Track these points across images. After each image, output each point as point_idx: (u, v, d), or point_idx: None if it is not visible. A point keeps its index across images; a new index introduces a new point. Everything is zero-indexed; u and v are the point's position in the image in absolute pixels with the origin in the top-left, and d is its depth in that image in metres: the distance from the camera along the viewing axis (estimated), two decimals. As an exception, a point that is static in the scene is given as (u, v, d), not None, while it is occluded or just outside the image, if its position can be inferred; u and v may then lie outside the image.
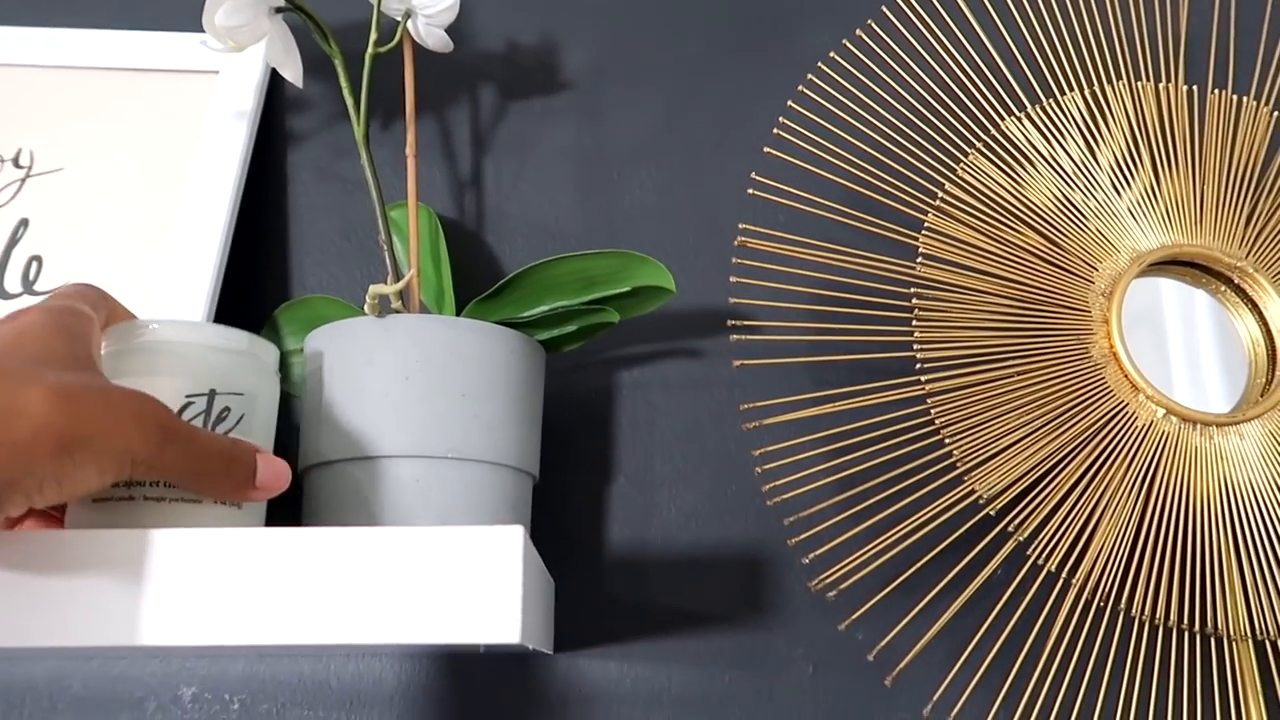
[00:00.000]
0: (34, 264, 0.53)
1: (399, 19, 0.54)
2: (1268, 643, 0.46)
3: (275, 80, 0.62)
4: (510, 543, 0.33)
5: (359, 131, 0.51)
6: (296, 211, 0.61)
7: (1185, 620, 0.46)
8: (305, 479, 0.47)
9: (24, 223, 0.54)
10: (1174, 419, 0.48)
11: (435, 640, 0.31)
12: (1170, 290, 0.52)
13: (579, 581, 0.54)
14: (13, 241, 0.54)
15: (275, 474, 0.38)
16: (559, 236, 0.60)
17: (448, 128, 0.63)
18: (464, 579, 0.32)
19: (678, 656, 0.53)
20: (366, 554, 0.32)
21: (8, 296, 0.52)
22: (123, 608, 0.31)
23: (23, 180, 0.56)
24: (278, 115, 0.62)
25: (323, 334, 0.48)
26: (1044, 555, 0.46)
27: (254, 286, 0.59)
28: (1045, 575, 0.46)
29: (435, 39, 0.55)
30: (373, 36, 0.52)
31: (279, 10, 0.52)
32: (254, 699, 0.52)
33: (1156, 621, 0.46)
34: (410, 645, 0.32)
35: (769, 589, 0.52)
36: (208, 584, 0.32)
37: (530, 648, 0.36)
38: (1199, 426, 0.48)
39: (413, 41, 0.55)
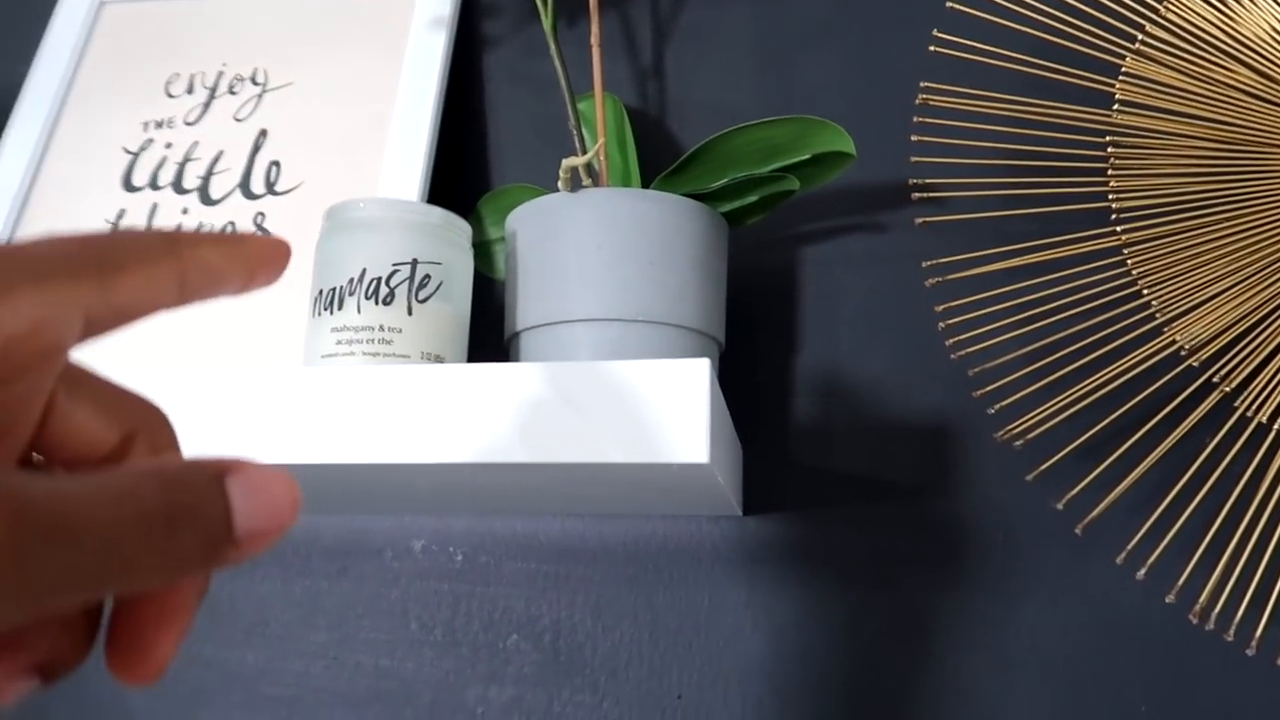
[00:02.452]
0: (274, 169, 0.60)
1: (579, -89, 0.56)
2: None
3: (469, -12, 0.65)
4: (699, 373, 0.35)
5: (548, 24, 0.54)
6: (495, 110, 0.65)
7: None
8: (510, 348, 0.51)
9: (264, 133, 0.61)
10: None
11: (637, 459, 0.34)
12: None
13: (767, 449, 0.56)
14: (255, 149, 0.61)
15: (268, 497, 0.19)
16: (740, 118, 0.61)
17: (629, 19, 0.65)
18: (659, 406, 0.35)
19: (864, 522, 0.54)
20: (575, 385, 0.35)
21: (253, 197, 0.59)
22: (368, 431, 0.36)
23: (260, 95, 0.62)
24: (473, 20, 0.66)
25: (521, 212, 0.51)
26: (1254, 407, 0.44)
27: (459, 180, 0.64)
28: (1255, 427, 0.44)
29: (614, -72, 0.56)
30: (557, -70, 0.54)
31: (469, -87, 0.56)
32: (475, 551, 0.58)
33: (1383, 474, 0.43)
34: (617, 465, 0.35)
35: (956, 456, 0.53)
36: (437, 413, 0.36)
37: (719, 479, 0.39)
38: None
39: (593, -65, 0.57)
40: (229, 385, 0.39)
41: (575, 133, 0.54)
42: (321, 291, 0.45)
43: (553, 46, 0.55)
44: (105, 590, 0.17)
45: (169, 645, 0.19)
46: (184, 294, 0.21)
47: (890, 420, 0.55)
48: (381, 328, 0.44)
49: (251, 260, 0.22)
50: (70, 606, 0.16)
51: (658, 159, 0.61)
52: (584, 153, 0.53)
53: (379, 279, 0.44)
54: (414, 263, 0.45)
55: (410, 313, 0.45)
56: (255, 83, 0.63)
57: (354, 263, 0.45)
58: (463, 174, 0.64)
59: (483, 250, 0.59)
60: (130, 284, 0.19)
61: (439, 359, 0.45)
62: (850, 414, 0.55)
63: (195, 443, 0.39)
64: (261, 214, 0.59)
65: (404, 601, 0.58)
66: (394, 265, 0.45)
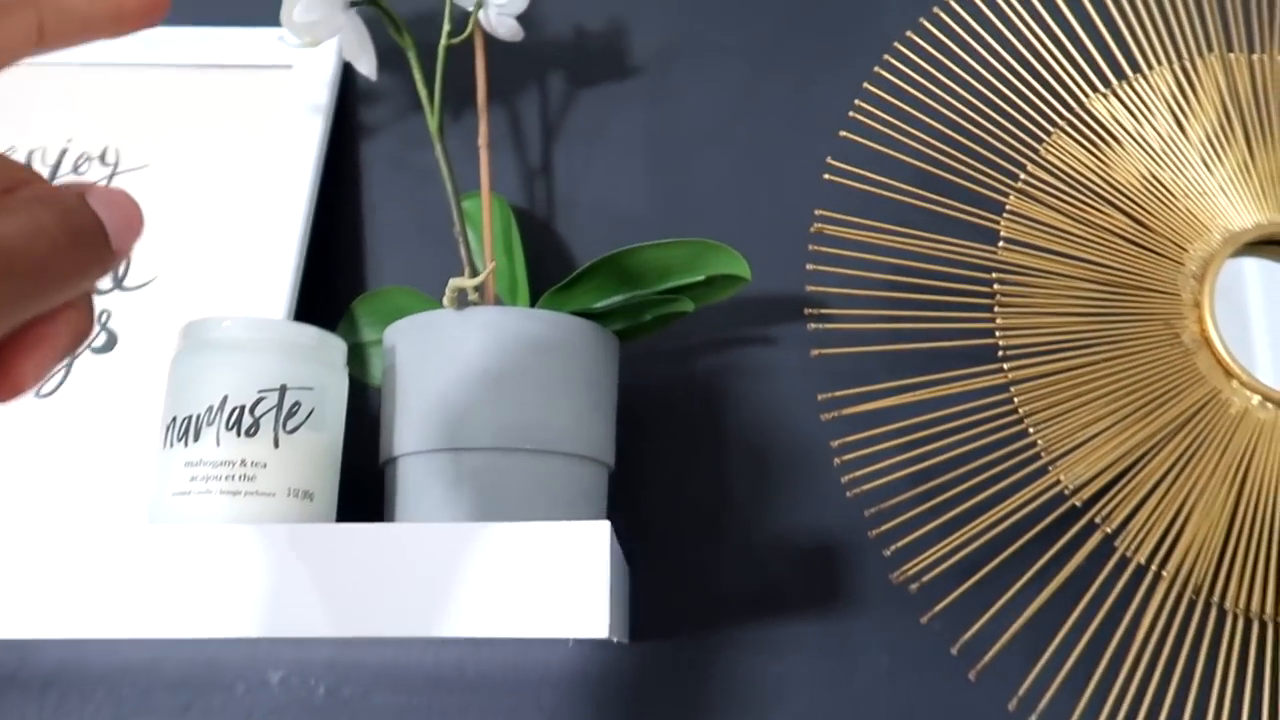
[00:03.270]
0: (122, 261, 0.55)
1: (470, 9, 0.54)
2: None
3: (348, 73, 0.62)
4: (598, 538, 0.33)
5: (433, 123, 0.52)
6: (372, 203, 0.62)
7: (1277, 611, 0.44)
8: (387, 470, 0.48)
9: (112, 220, 0.56)
10: (1270, 406, 0.46)
11: (526, 634, 0.32)
12: (1264, 271, 0.50)
13: (655, 570, 0.54)
14: (102, 238, 0.55)
15: (121, 211, 0.23)
16: (630, 223, 0.60)
17: (518, 117, 0.63)
18: (553, 574, 0.32)
19: (754, 645, 0.53)
20: (458, 549, 0.32)
21: (98, 291, 0.54)
22: (217, 600, 0.32)
23: (110, 177, 0.57)
24: (351, 108, 0.63)
25: (401, 327, 0.48)
26: (1133, 547, 0.45)
27: (331, 278, 0.60)
28: (1134, 567, 0.45)
29: (507, 28, 0.55)
30: (446, 28, 0.52)
31: (353, 4, 0.53)
32: (338, 683, 0.53)
33: (1252, 615, 0.44)
34: (503, 638, 0.33)
35: (847, 578, 0.52)
36: (300, 578, 0.33)
37: (615, 640, 0.37)
38: (1297, 413, 0.46)
39: (484, 31, 0.55)
40: (57, 543, 0.35)
41: (461, 239, 0.52)
42: (175, 420, 0.41)
43: (438, 147, 0.52)
44: (44, 300, 0.20)
45: (38, 368, 0.22)
46: (45, 38, 0.22)
47: (783, 543, 0.54)
48: (243, 462, 0.40)
49: (120, 4, 0.23)
50: (23, 318, 0.20)
51: (545, 263, 0.59)
52: (468, 259, 0.51)
53: (242, 408, 0.40)
54: (283, 389, 0.41)
55: (277, 445, 0.41)
56: (104, 162, 0.57)
57: (214, 389, 0.41)
58: (337, 270, 0.60)
59: (357, 354, 0.55)
60: None
61: (308, 495, 0.41)
62: (742, 535, 0.54)
63: (21, 609, 0.34)
64: (106, 312, 0.53)
65: (256, 741, 0.53)
66: (260, 392, 0.41)
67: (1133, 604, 0.45)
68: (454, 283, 0.45)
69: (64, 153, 0.58)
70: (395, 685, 0.53)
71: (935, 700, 0.49)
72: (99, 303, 0.53)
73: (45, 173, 0.57)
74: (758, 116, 0.61)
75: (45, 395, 0.51)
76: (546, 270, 0.57)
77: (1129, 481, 0.45)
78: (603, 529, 0.33)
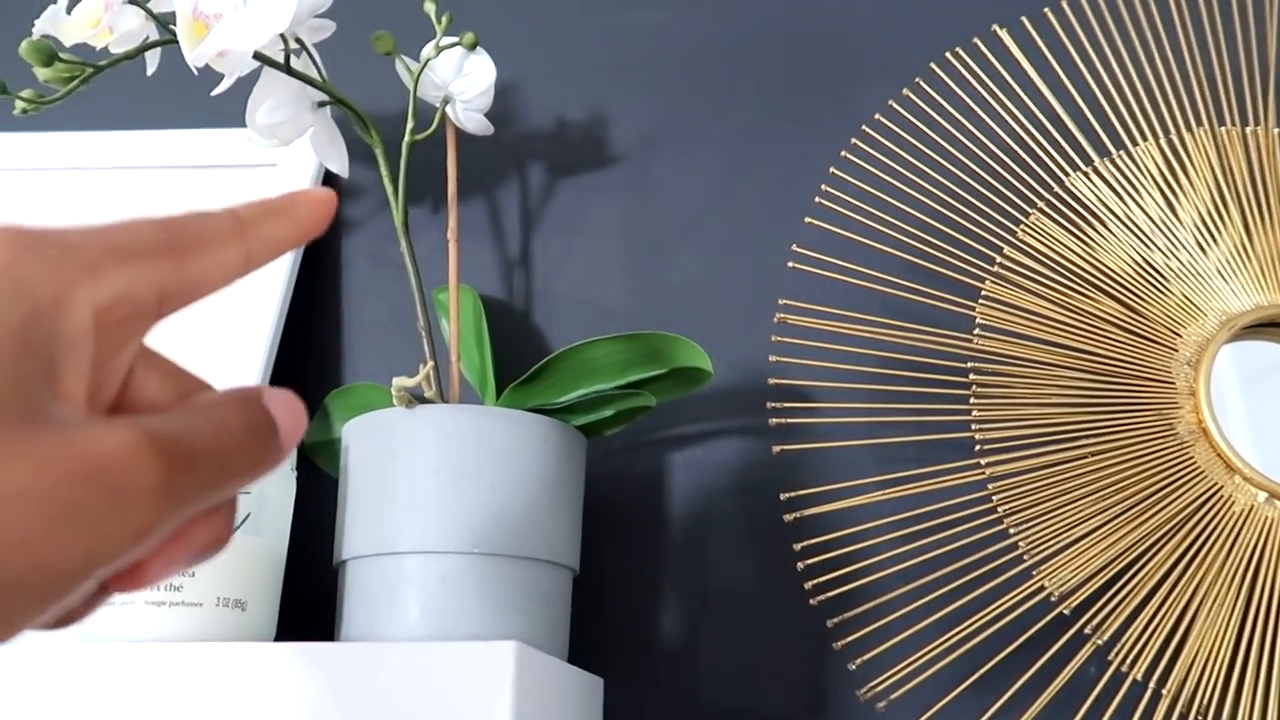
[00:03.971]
0: (96, 359, 0.55)
1: (438, 105, 0.54)
2: (1404, 767, 0.39)
3: (330, 172, 0.63)
4: (502, 657, 0.31)
5: (398, 217, 0.52)
6: (350, 298, 0.61)
7: (1301, 738, 0.40)
8: (340, 573, 0.46)
9: (90, 319, 0.56)
10: (1279, 503, 0.42)
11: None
12: (1267, 358, 0.47)
13: (629, 676, 0.51)
14: (78, 338, 0.56)
15: (291, 411, 0.24)
16: (607, 313, 0.59)
17: (496, 208, 0.63)
18: (454, 697, 0.30)
19: (735, 759, 0.49)
20: (347, 668, 0.30)
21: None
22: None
23: (91, 278, 0.58)
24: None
25: (356, 426, 0.47)
26: (1128, 661, 0.41)
27: (307, 373, 0.59)
28: (1130, 684, 0.41)
29: (475, 123, 0.55)
30: (409, 124, 0.52)
31: (321, 104, 0.53)
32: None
33: (1266, 739, 0.40)
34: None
35: (830, 687, 0.49)
36: (175, 700, 0.31)
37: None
38: (1309, 512, 0.42)
39: (455, 127, 0.55)
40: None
41: (425, 335, 0.51)
42: (106, 526, 0.40)
43: (403, 241, 0.52)
44: (221, 494, 0.21)
45: (166, 566, 0.21)
46: (249, 265, 0.23)
47: (762, 646, 0.51)
48: (170, 571, 0.39)
49: (303, 222, 0.25)
50: (198, 509, 0.21)
51: (521, 355, 0.58)
52: (433, 353, 0.50)
53: (172, 515, 0.39)
54: (215, 495, 0.40)
55: (206, 553, 0.39)
56: (88, 264, 0.58)
57: (145, 495, 0.39)
58: (313, 366, 0.60)
59: (329, 450, 0.54)
60: (202, 263, 0.22)
61: (239, 604, 0.40)
62: (719, 640, 0.51)
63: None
64: (76, 412, 0.53)
65: None
66: (191, 499, 0.40)
67: (1129, 725, 0.41)
68: (397, 382, 0.43)
69: (50, 254, 0.59)
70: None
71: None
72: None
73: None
74: (736, 204, 0.59)
75: None
76: (523, 362, 0.56)
77: (1122, 588, 0.42)
78: (507, 649, 0.31)
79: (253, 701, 0.30)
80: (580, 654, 0.51)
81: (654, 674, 0.51)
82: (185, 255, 0.22)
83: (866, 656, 0.41)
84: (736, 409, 0.54)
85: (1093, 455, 0.43)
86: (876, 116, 0.51)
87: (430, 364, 0.44)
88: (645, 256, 0.60)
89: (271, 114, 0.51)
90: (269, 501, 0.42)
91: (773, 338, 0.47)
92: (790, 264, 0.48)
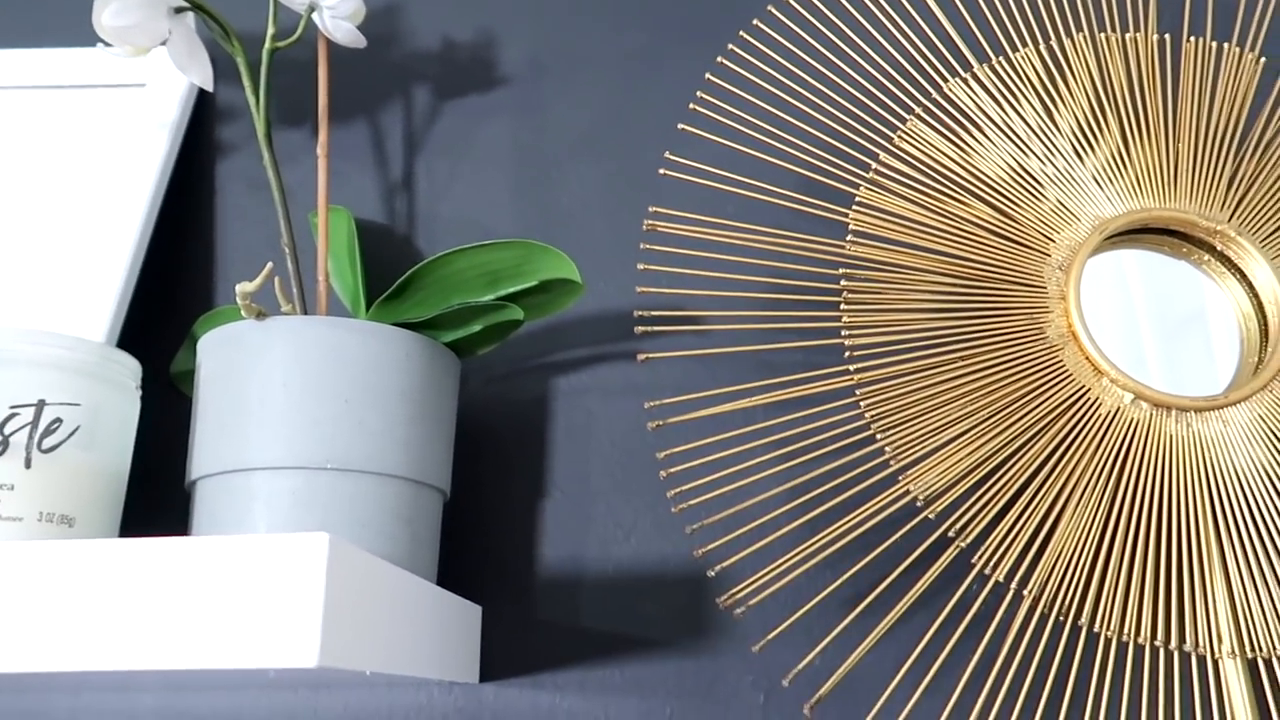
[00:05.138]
0: (-54, 282, 0.52)
1: (303, 13, 0.51)
2: (1260, 660, 0.39)
3: (206, 91, 0.60)
4: (313, 552, 0.29)
5: (260, 129, 0.49)
6: (223, 222, 0.59)
7: (1161, 636, 0.40)
8: (192, 492, 0.44)
9: (-60, 242, 0.53)
10: (1144, 405, 0.42)
11: (223, 664, 0.28)
12: (1141, 264, 0.46)
13: (509, 605, 0.50)
14: (-73, 261, 0.53)
15: None
16: (493, 237, 0.57)
17: (379, 130, 0.60)
18: (260, 594, 0.29)
19: (617, 685, 0.48)
20: (144, 565, 0.29)
21: (-87, 316, 0.51)
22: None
23: (-57, 198, 0.55)
24: (207, 125, 0.61)
25: (208, 342, 0.45)
26: (990, 564, 0.40)
27: (177, 300, 0.57)
28: (993, 586, 0.40)
29: (344, 33, 0.52)
30: (269, 30, 0.50)
31: (179, 10, 0.51)
32: (166, 733, 0.49)
33: (1126, 638, 0.40)
34: (200, 671, 0.29)
35: (716, 611, 0.48)
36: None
37: (369, 673, 0.33)
38: (1174, 412, 0.42)
39: (327, 40, 0.52)
40: None
41: (289, 251, 0.49)
42: (-78, 438, 0.38)
43: (265, 154, 0.50)
44: None
45: None
46: None
47: (644, 571, 0.50)
48: (-12, 483, 0.36)
49: None
50: None
51: (399, 279, 0.56)
52: (296, 271, 0.48)
53: (-9, 424, 0.37)
54: (39, 404, 0.38)
55: (29, 465, 0.37)
56: (-60, 184, 0.55)
57: (-37, 404, 0.37)
58: (184, 291, 0.57)
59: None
60: None
61: (66, 520, 0.38)
62: (601, 565, 0.50)
63: None
64: (-81, 335, 0.50)
65: (75, 797, 0.49)
66: (12, 408, 0.37)
67: (991, 626, 0.40)
68: (241, 287, 0.41)
69: (-101, 175, 0.56)
70: (224, 734, 0.49)
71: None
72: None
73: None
74: (625, 127, 0.58)
75: None
76: (401, 286, 0.54)
77: (987, 491, 0.41)
78: (319, 540, 0.29)
79: (50, 602, 0.29)
80: (459, 582, 0.50)
81: (533, 601, 0.50)
82: None
83: (728, 562, 0.40)
84: (616, 332, 0.53)
85: (961, 360, 0.42)
86: (755, 23, 0.50)
87: (269, 265, 0.42)
88: (533, 180, 0.58)
89: (120, 15, 0.48)
90: (102, 416, 0.40)
91: (641, 245, 0.45)
92: (661, 170, 0.46)
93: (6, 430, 0.37)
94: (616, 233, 0.55)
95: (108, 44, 0.50)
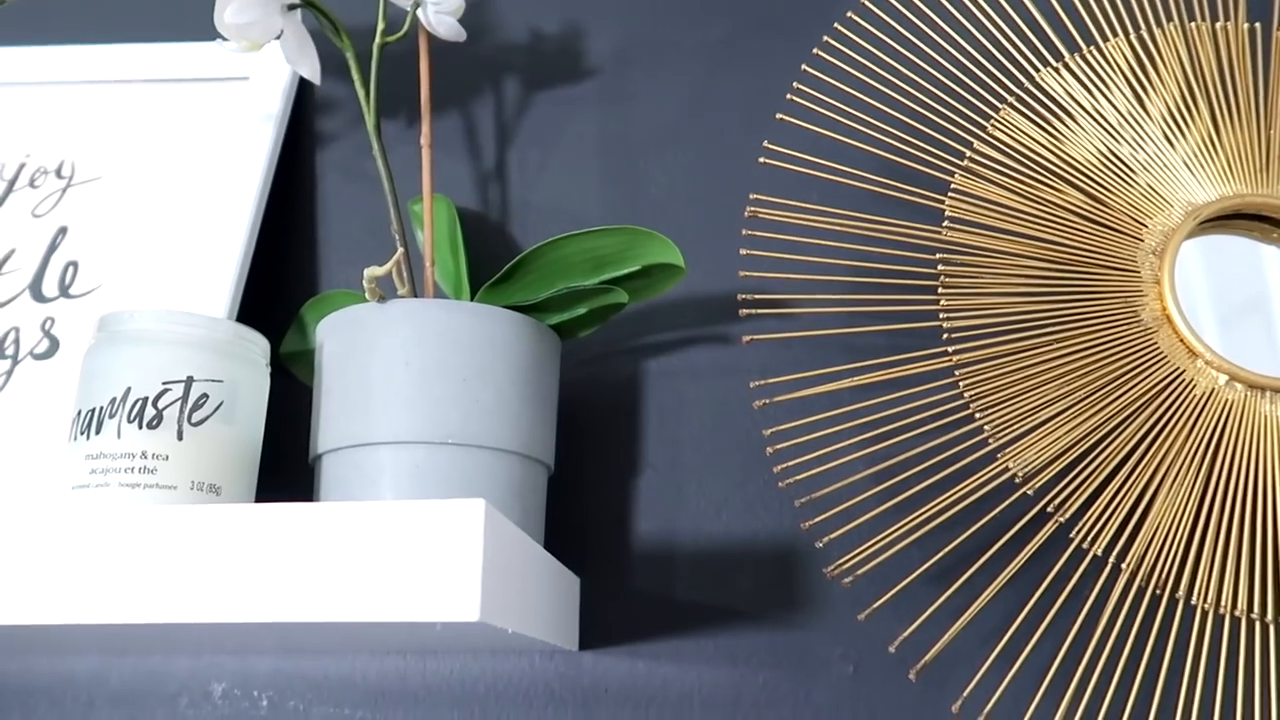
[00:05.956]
0: (70, 269, 0.55)
1: (409, 9, 0.53)
2: (1355, 633, 0.40)
3: (306, 84, 0.63)
4: (471, 516, 0.31)
5: (370, 121, 0.52)
6: (325, 210, 0.61)
7: (1257, 609, 0.41)
8: (315, 467, 0.47)
9: (63, 230, 0.56)
10: (1239, 386, 0.43)
11: (391, 618, 0.30)
12: (1233, 249, 0.47)
13: (606, 578, 0.52)
14: (52, 248, 0.55)
15: None
16: (583, 225, 0.59)
17: (472, 121, 0.62)
18: (423, 554, 0.31)
19: (709, 656, 0.50)
20: (318, 529, 0.31)
21: (44, 300, 0.54)
22: (80, 585, 0.31)
23: (63, 190, 0.57)
24: (307, 117, 0.63)
25: (329, 323, 0.47)
26: (1089, 538, 0.42)
27: (284, 285, 0.59)
28: (1091, 559, 0.42)
29: (447, 28, 0.54)
30: (380, 26, 0.52)
31: (292, 7, 0.53)
32: (281, 695, 0.52)
33: (1223, 610, 0.41)
34: (371, 623, 0.31)
35: (806, 584, 0.49)
36: (155, 563, 0.31)
37: (510, 631, 0.35)
38: (1269, 394, 0.43)
39: (428, 33, 0.55)
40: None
41: (399, 237, 0.51)
42: (80, 413, 0.40)
43: (375, 146, 0.52)
44: None
45: None
46: None
47: (736, 545, 0.51)
48: (144, 454, 0.39)
49: None
50: None
51: (496, 265, 0.58)
52: (406, 258, 0.50)
53: (144, 399, 0.40)
54: (189, 381, 0.40)
55: (180, 438, 0.40)
56: (60, 176, 0.58)
57: (118, 381, 0.40)
58: (291, 277, 0.60)
59: (305, 360, 0.55)
60: None
61: (214, 489, 0.40)
62: (694, 539, 0.52)
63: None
64: (50, 319, 0.53)
65: (197, 755, 0.51)
66: (164, 384, 0.40)
67: (1089, 599, 0.42)
68: (368, 271, 0.44)
69: (21, 167, 0.58)
70: (338, 698, 0.52)
71: (900, 711, 0.46)
72: (44, 310, 0.54)
73: (2, 187, 0.58)
74: (712, 115, 0.59)
75: (-15, 401, 0.51)
76: (497, 272, 0.56)
77: (1085, 469, 0.42)
78: (477, 506, 0.31)
79: (227, 562, 0.31)
80: (558, 554, 0.52)
81: (630, 574, 0.52)
82: None
83: (835, 534, 0.42)
84: (712, 315, 0.54)
85: (1058, 342, 0.43)
86: (850, 15, 0.51)
87: (401, 250, 0.44)
88: (620, 168, 0.60)
89: (240, 13, 0.50)
90: (240, 391, 0.42)
91: (743, 231, 0.47)
92: (761, 160, 0.48)
93: (160, 404, 0.40)
94: (703, 219, 0.57)
95: (225, 39, 0.52)
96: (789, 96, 0.50)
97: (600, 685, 0.51)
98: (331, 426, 0.45)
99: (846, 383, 0.44)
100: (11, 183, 0.58)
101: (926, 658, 0.41)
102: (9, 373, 0.52)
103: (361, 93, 0.52)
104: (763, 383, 0.46)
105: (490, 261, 0.58)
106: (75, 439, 0.40)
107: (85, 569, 0.32)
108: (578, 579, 0.52)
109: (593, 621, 0.51)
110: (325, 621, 0.30)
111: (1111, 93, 0.48)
